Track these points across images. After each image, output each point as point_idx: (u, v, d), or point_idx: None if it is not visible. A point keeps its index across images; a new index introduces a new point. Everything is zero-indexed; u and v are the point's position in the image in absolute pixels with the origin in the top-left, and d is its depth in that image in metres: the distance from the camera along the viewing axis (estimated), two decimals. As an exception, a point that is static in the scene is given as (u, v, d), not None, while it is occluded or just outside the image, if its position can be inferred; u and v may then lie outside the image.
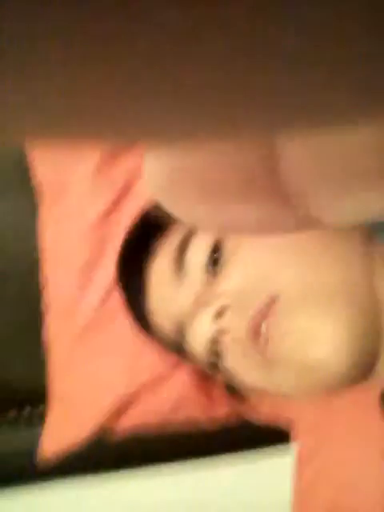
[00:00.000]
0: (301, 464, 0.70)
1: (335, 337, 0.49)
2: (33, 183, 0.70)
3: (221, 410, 0.75)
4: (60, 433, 0.70)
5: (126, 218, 0.69)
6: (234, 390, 0.70)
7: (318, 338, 0.49)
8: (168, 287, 0.57)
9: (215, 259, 0.54)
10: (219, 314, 0.52)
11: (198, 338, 0.56)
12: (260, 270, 0.52)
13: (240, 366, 0.55)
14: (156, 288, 0.59)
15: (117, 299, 0.68)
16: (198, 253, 0.55)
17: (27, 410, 0.80)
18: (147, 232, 0.61)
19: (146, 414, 0.72)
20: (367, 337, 0.51)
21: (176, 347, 0.62)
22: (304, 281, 0.50)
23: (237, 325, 0.51)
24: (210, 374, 0.70)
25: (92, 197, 0.68)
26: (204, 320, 0.53)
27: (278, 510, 0.71)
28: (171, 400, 0.72)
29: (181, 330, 0.58)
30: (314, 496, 0.68)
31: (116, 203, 0.69)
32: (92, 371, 0.71)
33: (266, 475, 0.81)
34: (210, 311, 0.52)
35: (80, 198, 0.68)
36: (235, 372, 0.57)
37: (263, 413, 0.72)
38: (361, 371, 0.54)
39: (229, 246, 0.53)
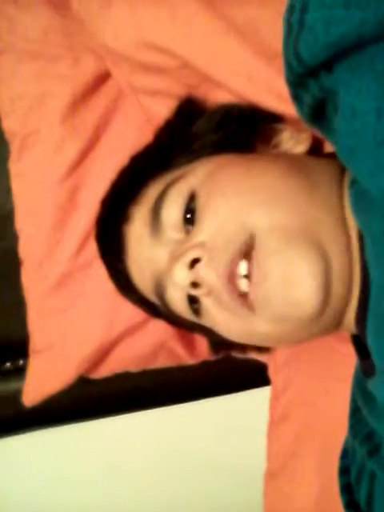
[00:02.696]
0: (274, 399, 0.71)
1: (311, 276, 0.48)
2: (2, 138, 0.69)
3: (201, 355, 0.76)
4: (41, 382, 0.72)
5: (96, 169, 0.69)
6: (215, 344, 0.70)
7: (295, 278, 0.48)
8: (146, 249, 0.57)
9: (189, 217, 0.53)
10: (192, 265, 0.51)
11: (176, 295, 0.56)
12: (232, 215, 0.51)
13: (220, 321, 0.54)
14: (134, 251, 0.58)
15: (92, 248, 0.68)
16: (172, 212, 0.54)
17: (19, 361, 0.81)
18: (121, 198, 0.60)
19: (124, 361, 0.73)
20: (340, 277, 0.50)
21: (156, 310, 0.62)
22: (278, 221, 0.49)
23: (211, 274, 0.50)
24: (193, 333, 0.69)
25: (59, 148, 0.67)
26: (178, 273, 0.52)
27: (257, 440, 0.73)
28: (150, 347, 0.73)
29: (160, 291, 0.57)
30: (285, 426, 0.70)
31: (84, 154, 0.68)
32: (70, 320, 0.71)
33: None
34: (184, 263, 0.51)
35: (47, 150, 0.67)
36: (216, 329, 0.56)
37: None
38: (333, 317, 0.53)
39: (201, 201, 0.52)
